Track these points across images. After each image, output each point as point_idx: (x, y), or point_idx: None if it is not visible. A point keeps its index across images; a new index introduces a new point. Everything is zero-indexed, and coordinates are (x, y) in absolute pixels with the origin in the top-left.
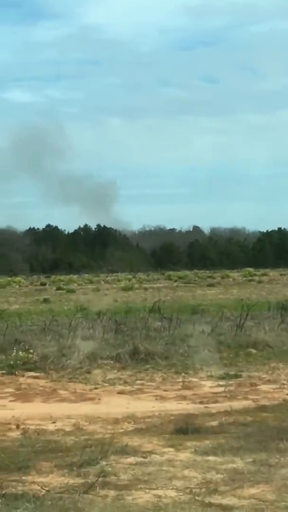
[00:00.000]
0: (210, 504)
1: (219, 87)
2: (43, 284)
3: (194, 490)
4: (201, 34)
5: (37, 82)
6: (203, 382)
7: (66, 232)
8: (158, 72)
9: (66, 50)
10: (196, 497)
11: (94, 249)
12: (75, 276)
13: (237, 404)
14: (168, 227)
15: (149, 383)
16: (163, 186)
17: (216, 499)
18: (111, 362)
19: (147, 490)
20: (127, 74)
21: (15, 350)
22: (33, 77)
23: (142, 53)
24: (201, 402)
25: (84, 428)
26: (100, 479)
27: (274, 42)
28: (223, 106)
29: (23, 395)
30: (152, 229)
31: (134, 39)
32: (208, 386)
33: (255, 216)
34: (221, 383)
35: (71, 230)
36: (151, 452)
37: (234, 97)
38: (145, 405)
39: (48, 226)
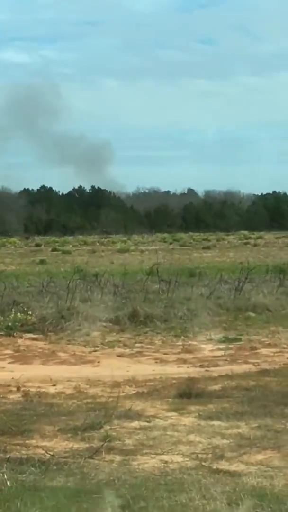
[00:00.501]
0: (218, 471)
1: (217, 49)
2: (38, 245)
3: (200, 455)
4: None
5: (33, 43)
6: (203, 346)
7: (60, 194)
8: (156, 33)
9: (63, 11)
10: (203, 463)
11: (88, 210)
12: (70, 238)
13: (238, 368)
14: (163, 190)
15: (149, 346)
16: (158, 148)
17: (223, 465)
18: (110, 324)
19: (152, 455)
20: (124, 36)
21: (13, 312)
22: (29, 37)
23: (139, 14)
24: (201, 366)
25: (85, 391)
26: (105, 444)
27: (273, 3)
28: (221, 69)
29: (22, 357)
30: (147, 191)
31: (132, 0)
32: (208, 349)
33: (250, 179)
34: (221, 346)
35: (66, 192)
36: (154, 417)
37: (232, 59)
38: (145, 368)
39: (43, 187)
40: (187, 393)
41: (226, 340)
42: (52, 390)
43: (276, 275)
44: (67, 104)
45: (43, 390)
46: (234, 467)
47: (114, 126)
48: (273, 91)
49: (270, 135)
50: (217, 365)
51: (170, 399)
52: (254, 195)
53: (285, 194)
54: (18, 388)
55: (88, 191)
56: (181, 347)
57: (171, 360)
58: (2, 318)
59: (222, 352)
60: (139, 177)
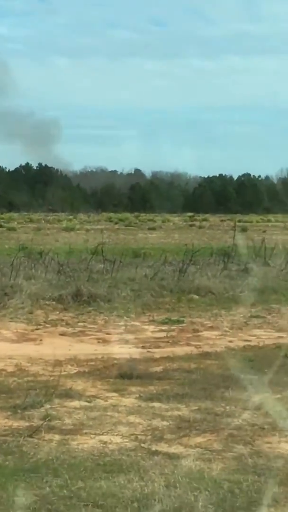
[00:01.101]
0: (156, 452)
1: (167, 31)
2: None
3: (139, 437)
4: None
5: None
6: (145, 327)
7: (7, 170)
8: (107, 13)
9: None
10: (142, 444)
11: (35, 188)
12: (15, 214)
13: (180, 350)
14: (110, 169)
15: (91, 326)
16: (106, 128)
17: (162, 447)
18: (53, 303)
19: (92, 436)
20: (76, 14)
21: None
22: None
23: None
24: (143, 347)
25: (26, 369)
26: (45, 423)
27: None
28: (171, 50)
29: None
30: (94, 170)
31: None
32: (150, 330)
33: (196, 161)
34: (163, 328)
35: (12, 168)
36: (95, 397)
37: (181, 41)
38: (87, 348)
39: None
40: (129, 374)
41: (168, 321)
42: None
43: (220, 258)
44: (16, 80)
45: None
46: (173, 449)
47: (63, 104)
48: (222, 74)
49: (218, 118)
50: (159, 347)
51: (111, 380)
52: (200, 177)
53: (231, 177)
54: None
55: (35, 168)
56: (124, 327)
57: (113, 340)
58: None
59: (164, 334)
60: (86, 155)
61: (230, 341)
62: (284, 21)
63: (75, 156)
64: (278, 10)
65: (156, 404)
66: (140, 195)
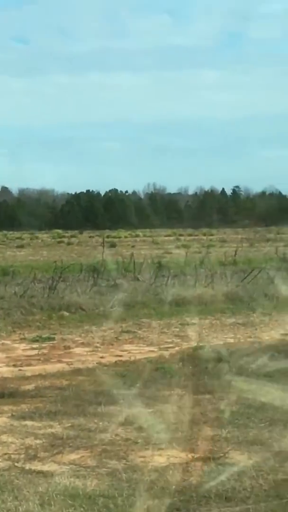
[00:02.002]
0: (30, 471)
1: (30, 48)
2: None
3: (13, 456)
4: None
5: None
6: (15, 345)
7: None
8: None
9: None
10: (16, 464)
11: None
12: None
13: (52, 367)
14: None
15: None
16: None
17: (36, 465)
18: None
19: None
20: None
21: None
22: None
23: None
24: (14, 365)
25: None
26: None
27: (86, 3)
28: (34, 67)
29: None
30: None
31: None
32: (21, 348)
33: (64, 178)
34: (34, 346)
35: None
36: None
37: (45, 58)
38: None
39: None
40: (0, 393)
41: (39, 339)
42: None
43: (90, 274)
44: None
45: None
46: (47, 467)
47: None
48: (86, 90)
49: (84, 134)
50: (30, 365)
51: None
52: (68, 194)
53: (98, 193)
54: None
55: None
56: None
57: None
58: None
59: (35, 352)
60: None
61: (102, 357)
62: (147, 37)
63: None
64: (141, 27)
65: (29, 423)
66: (7, 212)
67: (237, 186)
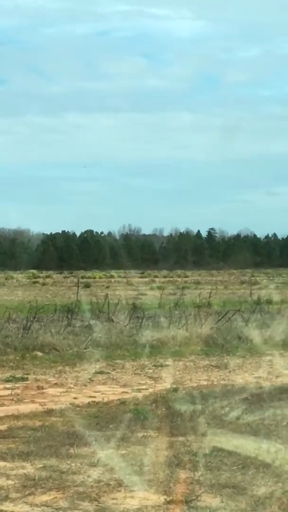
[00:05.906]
0: None
1: (7, 88)
2: None
3: None
4: None
5: None
6: None
7: None
8: None
9: None
10: None
11: None
12: None
13: (25, 408)
14: None
15: None
16: None
17: (7, 506)
18: None
19: None
20: None
21: None
22: None
23: None
24: None
25: None
26: None
27: (63, 45)
28: (11, 108)
29: None
30: None
31: None
32: None
33: (39, 218)
34: (7, 386)
35: None
36: None
37: (22, 98)
38: None
39: None
40: None
41: (13, 379)
42: None
43: (64, 315)
44: None
45: None
46: (18, 508)
47: None
48: (62, 131)
49: (60, 174)
50: (3, 405)
51: None
52: (43, 234)
53: (74, 233)
54: None
55: None
56: None
57: None
58: None
59: (8, 392)
60: None
61: (75, 398)
62: (123, 80)
63: None
64: (117, 69)
65: (1, 463)
66: None
67: (212, 228)
